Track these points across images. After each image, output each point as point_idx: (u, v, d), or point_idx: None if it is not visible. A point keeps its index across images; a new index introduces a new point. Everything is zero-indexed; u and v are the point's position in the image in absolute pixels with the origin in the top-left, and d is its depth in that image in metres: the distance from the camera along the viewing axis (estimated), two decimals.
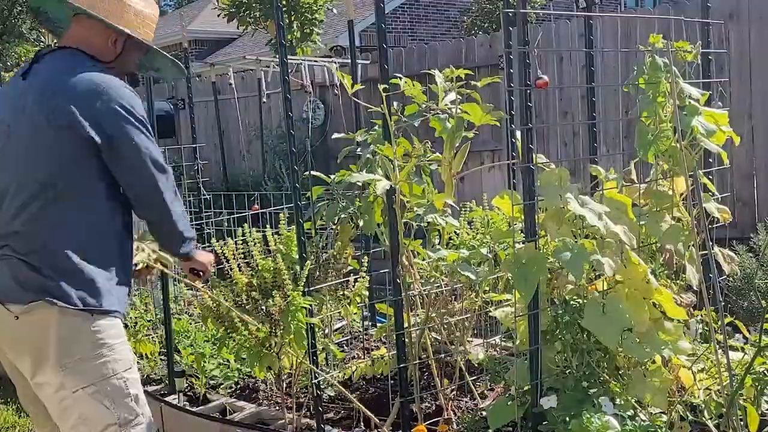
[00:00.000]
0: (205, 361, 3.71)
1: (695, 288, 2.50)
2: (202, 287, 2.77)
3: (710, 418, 2.35)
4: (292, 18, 9.70)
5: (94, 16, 2.26)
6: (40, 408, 2.31)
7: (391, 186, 2.64)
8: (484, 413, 2.65)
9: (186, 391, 3.66)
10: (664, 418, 2.33)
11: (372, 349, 3.73)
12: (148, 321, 4.36)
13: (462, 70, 2.94)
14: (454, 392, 3.20)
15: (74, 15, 2.32)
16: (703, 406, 2.38)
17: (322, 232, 3.38)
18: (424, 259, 3.19)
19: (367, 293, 3.50)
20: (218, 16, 11.03)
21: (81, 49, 2.27)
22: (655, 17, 6.11)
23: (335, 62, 6.99)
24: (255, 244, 2.99)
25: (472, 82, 2.89)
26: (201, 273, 2.57)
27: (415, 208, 2.93)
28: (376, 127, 3.07)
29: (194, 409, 3.46)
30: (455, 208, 3.09)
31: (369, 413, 2.90)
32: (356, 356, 3.76)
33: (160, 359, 4.03)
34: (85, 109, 2.12)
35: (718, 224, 2.64)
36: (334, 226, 3.25)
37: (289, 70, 3.00)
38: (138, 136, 2.19)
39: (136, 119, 2.19)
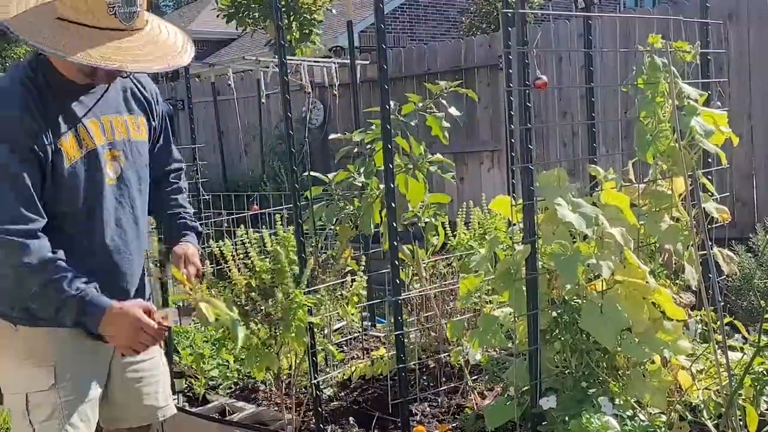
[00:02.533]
0: (204, 362, 3.71)
1: (694, 288, 2.50)
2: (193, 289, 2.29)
3: (709, 418, 2.35)
4: (292, 18, 9.70)
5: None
6: None
7: (391, 186, 2.64)
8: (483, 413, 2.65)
9: (185, 392, 3.66)
10: (664, 418, 2.33)
11: (371, 350, 3.73)
12: None
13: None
14: (454, 392, 3.20)
15: None
16: (703, 406, 2.38)
17: (321, 232, 3.38)
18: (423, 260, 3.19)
19: (365, 293, 3.50)
20: (217, 16, 11.03)
21: None
22: (654, 17, 6.12)
23: (335, 63, 6.98)
24: (252, 245, 2.98)
25: None
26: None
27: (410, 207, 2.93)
28: (373, 127, 3.07)
29: (193, 410, 3.46)
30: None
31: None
32: (356, 356, 3.77)
33: None
34: None
35: (717, 224, 2.64)
36: (333, 227, 3.26)
37: (288, 71, 3.01)
38: None
39: None
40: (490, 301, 3.13)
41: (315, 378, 2.91)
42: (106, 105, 2.12)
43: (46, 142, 1.94)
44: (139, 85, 2.25)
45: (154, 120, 2.29)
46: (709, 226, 2.56)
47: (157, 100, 2.30)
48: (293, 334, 2.81)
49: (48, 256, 1.91)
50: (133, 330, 1.97)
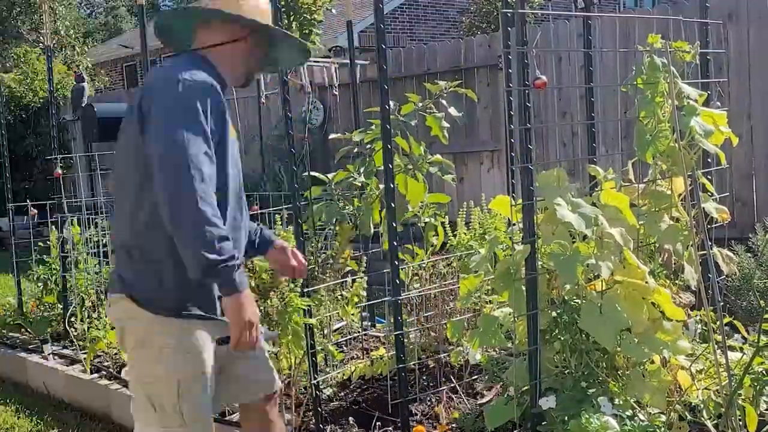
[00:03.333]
0: None
1: (694, 288, 2.50)
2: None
3: (709, 418, 2.35)
4: (291, 18, 9.70)
5: (212, 11, 2.20)
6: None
7: (390, 186, 2.64)
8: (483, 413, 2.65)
9: None
10: (663, 418, 2.33)
11: (371, 350, 3.73)
12: None
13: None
14: (453, 392, 3.20)
15: (196, 26, 2.26)
16: (702, 406, 2.38)
17: (321, 232, 3.38)
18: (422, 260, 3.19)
19: (365, 293, 3.50)
20: None
21: (200, 53, 2.21)
22: (653, 17, 6.12)
23: (334, 63, 6.98)
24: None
25: None
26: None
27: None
28: (373, 127, 3.08)
29: None
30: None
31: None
32: (355, 356, 3.77)
33: None
34: None
35: (716, 224, 2.64)
36: (333, 227, 3.26)
37: (288, 71, 3.01)
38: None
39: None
40: (489, 301, 3.13)
41: (315, 378, 2.91)
42: None
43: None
44: None
45: None
46: (709, 226, 2.56)
47: None
48: (290, 337, 2.82)
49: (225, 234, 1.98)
50: (253, 318, 2.04)
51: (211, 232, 1.91)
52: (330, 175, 3.25)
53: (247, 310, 2.01)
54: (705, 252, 2.47)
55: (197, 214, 1.91)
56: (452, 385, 3.20)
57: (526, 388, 2.39)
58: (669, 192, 2.55)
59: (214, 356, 2.20)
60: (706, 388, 2.42)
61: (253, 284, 2.90)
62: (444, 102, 3.16)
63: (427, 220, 3.31)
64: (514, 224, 2.41)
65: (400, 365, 2.65)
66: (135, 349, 2.17)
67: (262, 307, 2.85)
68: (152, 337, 2.13)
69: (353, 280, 3.26)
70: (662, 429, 2.24)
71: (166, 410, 2.11)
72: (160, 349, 2.12)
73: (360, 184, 3.19)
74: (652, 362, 2.37)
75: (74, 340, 4.55)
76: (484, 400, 3.07)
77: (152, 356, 2.13)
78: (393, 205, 2.62)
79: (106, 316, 4.51)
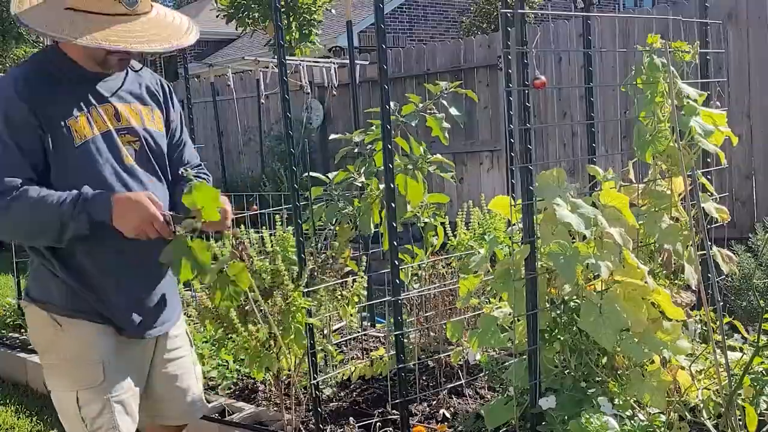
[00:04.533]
0: (203, 362, 3.70)
1: (694, 288, 2.50)
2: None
3: (709, 418, 2.34)
4: (291, 19, 9.70)
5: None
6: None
7: (390, 186, 2.64)
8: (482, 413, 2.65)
9: None
10: (663, 418, 2.33)
11: (371, 350, 3.73)
12: None
13: None
14: (453, 392, 3.20)
15: None
16: (702, 406, 2.38)
17: (321, 232, 3.38)
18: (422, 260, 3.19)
19: (365, 293, 3.49)
20: (217, 16, 11.03)
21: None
22: (653, 17, 6.12)
23: (334, 63, 6.99)
24: (252, 245, 2.99)
25: None
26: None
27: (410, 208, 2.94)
28: (374, 127, 3.08)
29: None
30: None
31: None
32: (355, 357, 3.77)
33: None
34: None
35: (716, 224, 2.64)
36: (332, 227, 3.26)
37: (288, 71, 3.01)
38: None
39: None
40: (489, 300, 3.13)
41: (314, 378, 2.91)
42: (122, 94, 2.19)
43: (43, 122, 2.00)
44: (156, 83, 2.33)
45: (171, 116, 2.34)
46: (709, 226, 2.56)
47: (173, 99, 2.36)
48: (292, 336, 2.82)
49: (16, 185, 1.93)
50: (144, 213, 1.95)
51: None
52: (330, 176, 3.25)
53: (126, 216, 1.94)
54: (705, 252, 2.47)
55: None
56: (452, 385, 3.20)
57: (525, 388, 2.39)
58: (669, 192, 2.55)
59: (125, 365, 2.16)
60: (706, 388, 2.42)
61: (253, 284, 2.89)
62: (444, 102, 3.16)
63: (426, 220, 3.31)
64: (513, 224, 2.41)
65: (400, 365, 2.65)
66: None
67: (262, 308, 2.85)
68: (53, 344, 2.12)
69: (353, 281, 3.26)
70: (662, 429, 2.24)
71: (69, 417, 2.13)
72: (60, 360, 2.12)
73: (360, 185, 3.19)
74: (652, 362, 2.36)
75: None
76: (483, 401, 3.06)
77: (54, 365, 2.14)
78: (393, 205, 2.62)
79: None
